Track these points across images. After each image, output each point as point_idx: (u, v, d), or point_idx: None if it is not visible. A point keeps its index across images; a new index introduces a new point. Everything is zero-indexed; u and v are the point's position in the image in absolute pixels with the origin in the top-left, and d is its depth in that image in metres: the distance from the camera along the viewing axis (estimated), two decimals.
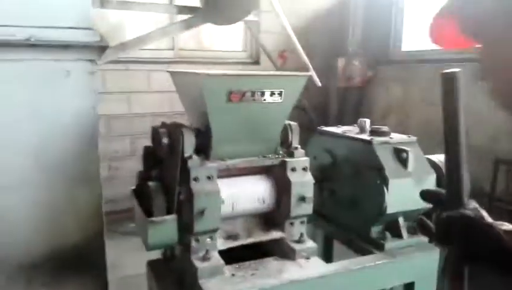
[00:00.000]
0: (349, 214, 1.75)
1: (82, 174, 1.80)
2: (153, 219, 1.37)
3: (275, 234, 1.57)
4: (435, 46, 0.90)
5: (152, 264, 1.71)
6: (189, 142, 1.45)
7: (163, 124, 1.60)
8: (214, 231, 1.45)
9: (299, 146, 1.61)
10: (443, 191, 0.83)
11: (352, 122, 2.01)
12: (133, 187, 1.72)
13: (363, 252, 1.64)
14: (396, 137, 1.70)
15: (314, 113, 5.20)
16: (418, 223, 0.87)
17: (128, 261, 3.57)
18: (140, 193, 1.61)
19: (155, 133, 1.56)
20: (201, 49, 5.81)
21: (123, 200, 5.38)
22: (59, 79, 1.73)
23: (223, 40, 5.90)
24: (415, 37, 5.22)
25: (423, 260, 1.60)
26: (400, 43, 5.35)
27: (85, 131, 1.78)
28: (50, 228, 1.76)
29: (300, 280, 1.39)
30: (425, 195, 0.86)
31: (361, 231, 1.69)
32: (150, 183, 1.47)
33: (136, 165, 6.18)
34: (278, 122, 1.56)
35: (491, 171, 3.56)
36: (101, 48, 1.80)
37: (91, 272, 1.85)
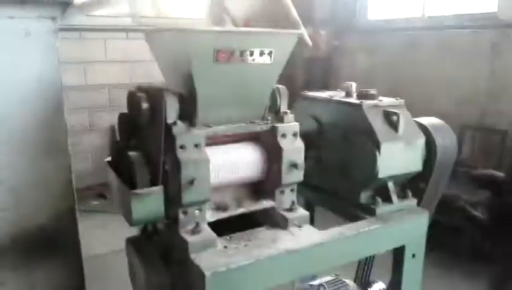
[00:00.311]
0: (337, 181, 1.70)
1: (48, 145, 1.62)
2: (138, 191, 1.25)
3: (266, 203, 1.50)
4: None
5: (132, 241, 1.60)
6: (172, 107, 1.32)
7: (140, 88, 1.46)
8: (204, 202, 1.35)
9: (288, 111, 1.52)
10: (500, 173, 0.76)
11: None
12: (108, 159, 1.58)
13: (352, 218, 1.61)
14: (385, 100, 1.65)
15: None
16: (459, 211, 0.81)
17: (94, 239, 3.41)
18: (118, 165, 1.48)
19: (132, 98, 1.42)
20: (163, 17, 5.50)
21: (84, 178, 5.13)
22: (17, 39, 1.52)
23: (185, 6, 5.62)
24: (381, 5, 5.22)
25: (413, 224, 1.59)
26: (366, 12, 5.34)
27: (49, 96, 1.59)
28: (14, 206, 1.58)
29: (296, 248, 1.33)
30: (479, 177, 0.79)
31: (350, 197, 1.66)
32: (131, 153, 1.34)
33: (95, 139, 5.94)
34: (267, 85, 1.47)
35: (457, 137, 3.67)
36: (63, 4, 1.60)
37: (64, 253, 1.71)
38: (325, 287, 1.89)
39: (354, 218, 1.60)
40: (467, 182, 2.01)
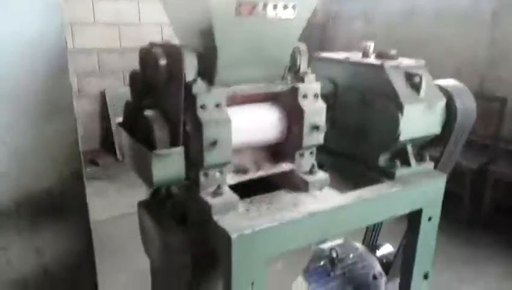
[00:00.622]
0: (353, 144, 1.67)
1: (52, 105, 1.54)
2: (158, 151, 1.19)
3: (285, 166, 1.46)
4: None
5: (145, 205, 1.55)
6: (191, 64, 1.25)
7: (153, 45, 1.37)
8: (225, 164, 1.30)
9: (309, 70, 1.46)
10: None
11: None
12: (118, 121, 1.51)
13: (370, 181, 1.58)
14: (405, 61, 1.60)
15: None
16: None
17: (93, 206, 3.37)
18: (131, 127, 1.40)
19: (146, 55, 1.33)
20: None
21: None
22: None
23: None
24: None
25: (430, 187, 1.58)
26: None
27: (52, 53, 1.49)
28: (19, 170, 1.51)
29: (320, 211, 1.30)
30: None
31: (367, 161, 1.63)
32: (148, 113, 1.27)
33: (85, 105, 5.81)
34: (289, 42, 1.39)
35: None
36: None
37: (70, 217, 1.66)
38: (336, 250, 1.89)
39: (371, 181, 1.58)
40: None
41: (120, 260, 3.14)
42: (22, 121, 1.49)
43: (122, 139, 1.46)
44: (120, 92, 5.38)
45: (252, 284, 1.21)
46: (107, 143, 5.61)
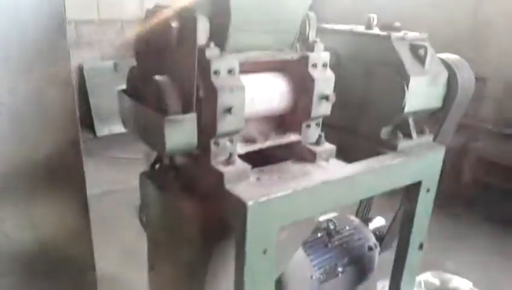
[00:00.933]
0: (355, 117, 1.68)
1: (49, 72, 1.46)
2: (172, 117, 1.16)
3: (293, 137, 1.45)
4: None
5: (149, 176, 1.51)
6: (203, 28, 1.21)
7: (161, 7, 1.31)
8: (237, 132, 1.28)
9: (318, 39, 1.44)
10: None
11: None
12: (121, 88, 1.45)
13: (372, 154, 1.60)
14: (410, 33, 1.61)
15: None
16: None
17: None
18: (137, 93, 1.36)
19: (155, 17, 1.28)
20: None
21: None
22: None
23: None
24: None
25: (431, 159, 1.62)
26: None
27: (51, 17, 1.41)
28: (14, 139, 1.44)
29: (332, 180, 1.31)
30: None
31: (369, 133, 1.64)
32: (158, 78, 1.22)
33: None
34: (301, 8, 1.37)
35: None
36: None
37: (69, 189, 1.60)
38: (334, 222, 1.93)
39: (374, 154, 1.59)
40: None
41: (108, 236, 3.09)
42: (21, 86, 1.41)
43: (125, 107, 1.41)
44: (98, 66, 5.19)
45: (265, 252, 1.22)
46: (85, 119, 5.43)
